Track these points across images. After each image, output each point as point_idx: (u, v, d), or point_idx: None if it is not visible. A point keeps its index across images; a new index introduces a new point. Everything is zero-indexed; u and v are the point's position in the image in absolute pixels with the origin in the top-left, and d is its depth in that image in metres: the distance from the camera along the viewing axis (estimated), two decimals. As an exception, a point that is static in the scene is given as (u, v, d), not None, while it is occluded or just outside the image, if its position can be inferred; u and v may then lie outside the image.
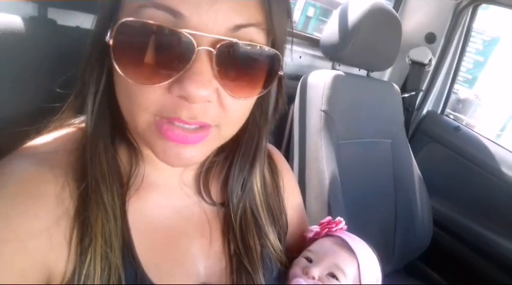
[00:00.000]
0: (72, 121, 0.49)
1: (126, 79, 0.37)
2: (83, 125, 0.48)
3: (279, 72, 0.43)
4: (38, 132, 0.47)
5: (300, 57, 1.36)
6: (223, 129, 0.42)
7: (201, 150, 0.42)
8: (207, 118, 0.39)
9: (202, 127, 0.39)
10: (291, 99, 1.27)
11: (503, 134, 5.09)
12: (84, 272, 0.39)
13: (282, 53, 0.44)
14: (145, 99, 0.37)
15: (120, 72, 0.37)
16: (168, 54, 0.36)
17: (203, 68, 0.36)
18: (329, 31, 1.24)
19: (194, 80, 0.35)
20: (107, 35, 0.37)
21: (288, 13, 0.44)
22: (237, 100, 0.40)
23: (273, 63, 0.42)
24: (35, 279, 0.38)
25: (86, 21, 0.65)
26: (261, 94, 0.43)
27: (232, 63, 0.38)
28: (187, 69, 0.36)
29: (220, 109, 0.40)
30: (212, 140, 0.42)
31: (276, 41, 0.42)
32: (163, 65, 0.36)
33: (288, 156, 1.24)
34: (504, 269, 1.43)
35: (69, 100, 0.48)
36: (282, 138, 1.35)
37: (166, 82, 0.36)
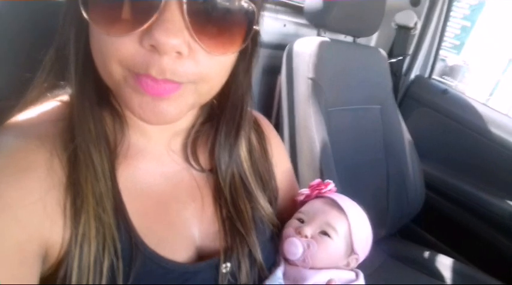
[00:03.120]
0: (54, 92, 0.48)
1: (97, 29, 0.36)
2: (66, 98, 0.47)
3: (255, 27, 0.42)
4: (23, 103, 0.46)
5: (285, 25, 1.34)
6: (200, 85, 0.41)
7: (177, 105, 0.40)
8: (176, 76, 0.37)
9: (171, 83, 0.38)
10: (277, 70, 1.26)
11: (491, 98, 5.14)
12: (80, 232, 0.39)
13: (259, 8, 0.43)
14: (117, 51, 0.36)
15: (90, 21, 0.36)
16: (137, 4, 0.35)
17: (173, 16, 0.34)
18: (312, -3, 1.22)
19: (164, 28, 0.34)
20: None
21: None
22: (212, 57, 0.39)
23: (248, 17, 0.40)
24: (32, 252, 0.38)
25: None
26: (237, 50, 0.42)
27: (205, 14, 0.36)
28: (157, 17, 0.34)
29: (193, 65, 0.38)
30: (187, 94, 0.41)
31: None
32: (132, 15, 0.35)
33: (278, 127, 1.24)
34: (495, 226, 1.46)
35: (45, 61, 0.46)
36: (271, 109, 1.35)
37: (136, 31, 0.35)
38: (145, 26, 0.34)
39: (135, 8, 0.35)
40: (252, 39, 0.44)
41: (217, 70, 0.42)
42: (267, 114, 1.32)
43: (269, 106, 1.34)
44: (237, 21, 0.40)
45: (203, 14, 0.36)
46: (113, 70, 0.38)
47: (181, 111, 0.41)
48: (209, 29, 0.37)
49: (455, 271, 1.32)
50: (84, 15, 0.36)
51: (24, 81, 0.46)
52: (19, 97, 0.46)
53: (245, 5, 0.39)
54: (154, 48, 0.35)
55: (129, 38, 0.35)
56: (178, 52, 0.36)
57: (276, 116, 1.30)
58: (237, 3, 0.38)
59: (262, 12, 0.46)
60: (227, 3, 0.38)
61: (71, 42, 0.42)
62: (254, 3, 0.40)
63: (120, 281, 0.41)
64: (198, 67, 0.38)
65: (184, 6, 0.35)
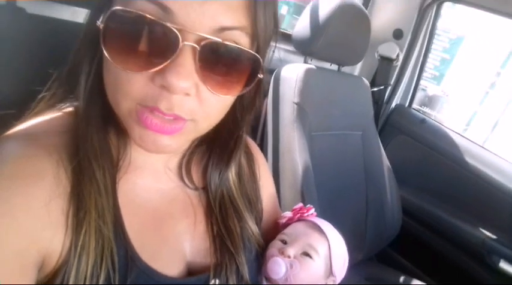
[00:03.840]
0: (60, 105, 0.50)
1: (113, 64, 0.38)
2: (70, 109, 0.49)
3: (259, 75, 0.45)
4: (28, 114, 0.48)
5: (273, 51, 1.38)
6: (199, 123, 0.44)
7: (176, 140, 0.44)
8: (183, 112, 0.41)
9: (178, 119, 0.41)
10: (264, 93, 1.30)
11: (468, 128, 5.30)
12: (80, 243, 0.41)
13: (264, 56, 0.46)
14: (129, 85, 0.39)
15: (108, 56, 0.38)
16: (154, 46, 0.38)
17: (186, 62, 0.38)
18: (301, 26, 1.27)
19: (176, 71, 0.37)
20: (99, 20, 0.39)
21: (275, 19, 0.46)
22: (216, 96, 0.42)
23: (254, 66, 0.44)
24: (31, 259, 0.39)
25: (57, 11, 0.66)
26: (239, 94, 0.45)
27: (214, 61, 0.40)
28: (171, 61, 0.37)
29: (197, 103, 0.41)
30: (188, 132, 0.44)
31: (259, 44, 0.44)
32: (148, 55, 0.38)
33: (262, 149, 1.26)
34: (468, 252, 1.51)
35: (52, 79, 0.49)
36: (256, 131, 1.37)
37: (150, 71, 0.38)
38: (160, 67, 0.38)
39: (152, 49, 0.38)
40: (256, 83, 0.47)
41: (218, 108, 0.45)
42: (252, 136, 1.34)
43: (254, 128, 1.37)
44: (242, 68, 0.43)
45: (212, 60, 0.40)
46: (122, 103, 0.41)
47: (180, 145, 0.45)
48: (216, 73, 0.41)
49: (428, 296, 1.35)
50: (103, 49, 0.38)
51: (30, 93, 0.49)
52: (23, 109, 0.48)
53: (250, 55, 0.42)
54: (165, 88, 0.38)
55: (142, 74, 0.38)
56: (186, 93, 0.39)
57: (261, 138, 1.32)
58: (243, 53, 0.42)
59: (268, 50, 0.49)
60: (234, 52, 0.41)
61: (83, 66, 0.45)
62: (261, 53, 0.44)
63: None
64: (202, 106, 0.42)
65: (197, 54, 0.38)
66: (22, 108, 0.48)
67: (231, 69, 0.43)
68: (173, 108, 0.39)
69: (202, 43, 0.38)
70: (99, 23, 0.39)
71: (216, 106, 0.44)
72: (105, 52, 0.38)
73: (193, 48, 0.38)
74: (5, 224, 0.38)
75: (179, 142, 0.44)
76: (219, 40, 0.39)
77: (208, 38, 0.38)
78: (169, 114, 0.40)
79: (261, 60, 0.43)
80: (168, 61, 0.37)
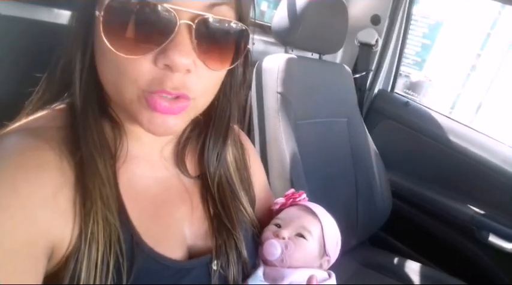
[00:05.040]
0: (50, 105, 0.51)
1: (115, 52, 0.40)
2: (62, 106, 0.50)
3: (247, 46, 0.48)
4: (21, 114, 0.49)
5: (253, 43, 1.39)
6: (198, 100, 0.47)
7: (182, 119, 0.46)
8: (187, 90, 0.43)
9: (182, 98, 0.44)
10: (247, 85, 1.30)
11: (453, 111, 5.38)
12: (89, 232, 0.42)
13: (249, 27, 0.49)
14: (134, 71, 0.41)
15: (110, 46, 0.40)
16: (153, 28, 0.40)
17: (184, 39, 0.41)
18: (279, 16, 1.28)
19: (177, 50, 0.40)
20: (94, 11, 0.41)
21: None
22: (211, 72, 0.45)
23: (243, 37, 0.47)
24: (41, 247, 0.40)
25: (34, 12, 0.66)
26: (232, 66, 0.48)
27: (208, 37, 0.43)
28: (171, 40, 0.40)
29: (196, 80, 0.44)
30: (190, 110, 0.47)
31: (242, 17, 0.47)
32: (148, 38, 0.40)
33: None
34: (457, 229, 1.54)
35: (42, 79, 0.50)
36: (243, 127, 1.38)
37: (152, 52, 0.40)
38: (161, 47, 0.40)
39: (151, 31, 0.40)
40: (244, 56, 0.50)
41: (213, 83, 0.48)
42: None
43: (240, 121, 1.37)
44: (233, 40, 0.47)
45: (206, 37, 0.43)
46: (127, 90, 0.43)
47: (185, 123, 0.48)
48: (211, 49, 0.44)
49: (423, 275, 1.37)
50: (105, 40, 0.40)
51: (20, 96, 0.50)
52: (13, 112, 0.49)
53: (239, 27, 0.45)
54: (168, 67, 0.40)
55: (144, 58, 0.40)
56: (188, 70, 0.41)
57: (248, 132, 1.33)
58: (232, 26, 0.45)
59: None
60: (225, 26, 0.44)
61: (76, 62, 0.47)
62: (247, 26, 0.46)
63: (124, 277, 0.43)
64: (201, 81, 0.44)
65: (193, 31, 0.41)
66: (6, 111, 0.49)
67: (224, 43, 0.46)
68: (178, 87, 0.42)
69: (197, 20, 0.41)
70: (98, 14, 0.40)
71: (212, 81, 0.47)
72: (106, 41, 0.40)
73: (189, 26, 0.41)
74: (14, 214, 0.38)
75: (184, 119, 0.47)
76: (212, 15, 0.42)
77: (202, 15, 0.41)
78: (175, 93, 0.42)
79: (248, 30, 0.47)
80: (168, 40, 0.40)
